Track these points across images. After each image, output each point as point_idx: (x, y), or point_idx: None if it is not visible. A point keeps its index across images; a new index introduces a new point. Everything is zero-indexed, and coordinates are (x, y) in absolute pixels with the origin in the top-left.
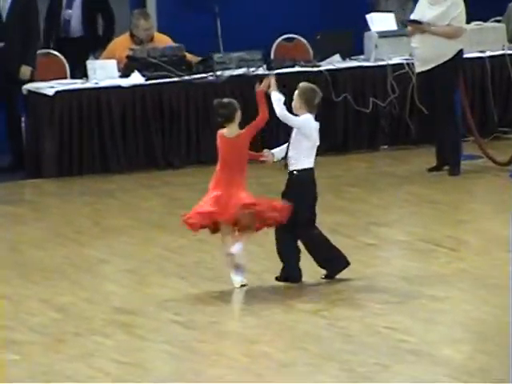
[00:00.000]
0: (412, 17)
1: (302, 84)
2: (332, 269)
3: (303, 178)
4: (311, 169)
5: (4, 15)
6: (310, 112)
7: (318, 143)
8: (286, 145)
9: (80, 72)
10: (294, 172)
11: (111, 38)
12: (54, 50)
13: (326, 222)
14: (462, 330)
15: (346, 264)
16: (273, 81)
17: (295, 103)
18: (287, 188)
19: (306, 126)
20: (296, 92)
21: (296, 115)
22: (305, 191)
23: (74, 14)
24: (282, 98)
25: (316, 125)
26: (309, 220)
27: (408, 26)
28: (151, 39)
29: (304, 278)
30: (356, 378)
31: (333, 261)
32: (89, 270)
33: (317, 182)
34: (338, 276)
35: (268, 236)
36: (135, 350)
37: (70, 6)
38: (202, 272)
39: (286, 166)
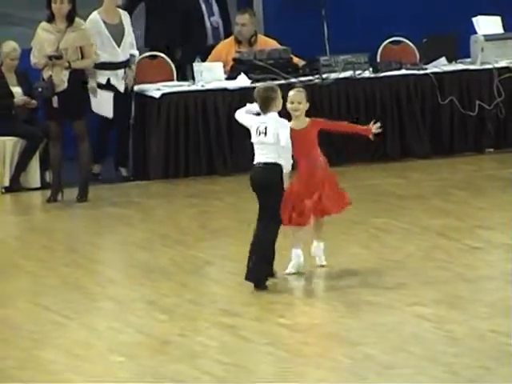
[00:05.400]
0: None
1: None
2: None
3: None
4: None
5: None
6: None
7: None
8: None
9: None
10: None
11: None
12: (203, 59)
13: (432, 225)
14: None
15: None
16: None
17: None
18: None
19: None
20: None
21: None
22: None
23: (219, 21)
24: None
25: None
26: None
27: None
28: (251, 39)
29: (408, 281)
30: (460, 381)
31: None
32: (194, 272)
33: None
34: (443, 279)
35: (377, 239)
36: (239, 352)
37: (212, 13)
38: (308, 274)
39: None
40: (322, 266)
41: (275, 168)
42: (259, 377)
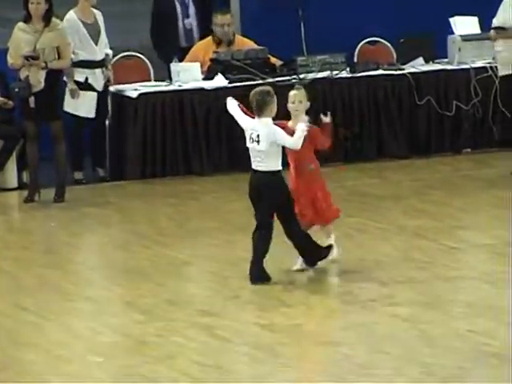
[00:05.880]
0: (495, 21)
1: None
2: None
3: None
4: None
5: None
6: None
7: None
8: None
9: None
10: None
11: None
12: (179, 60)
13: (409, 225)
14: None
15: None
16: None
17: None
18: None
19: None
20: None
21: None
22: None
23: (193, 23)
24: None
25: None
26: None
27: (491, 31)
28: (231, 40)
29: (385, 281)
30: (437, 382)
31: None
32: (172, 272)
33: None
34: (421, 279)
35: (354, 238)
36: (217, 352)
37: (187, 15)
38: (284, 275)
39: None
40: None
41: (273, 177)
42: (237, 377)
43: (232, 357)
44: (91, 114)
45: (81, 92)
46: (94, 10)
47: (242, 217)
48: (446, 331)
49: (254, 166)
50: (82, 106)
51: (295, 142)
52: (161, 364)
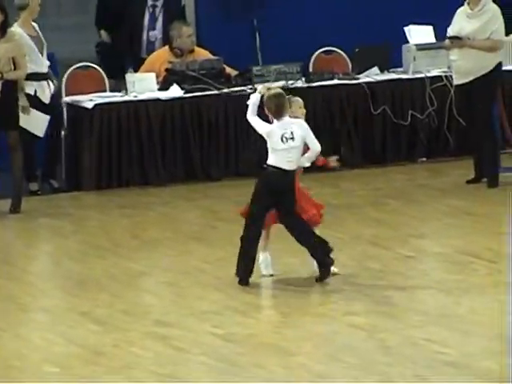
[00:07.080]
0: (450, 30)
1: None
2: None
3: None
4: (269, 167)
5: None
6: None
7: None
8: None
9: None
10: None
11: None
12: (135, 71)
13: (364, 233)
14: (501, 342)
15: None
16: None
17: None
18: None
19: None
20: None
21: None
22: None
23: (158, 36)
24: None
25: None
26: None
27: (446, 41)
28: (193, 50)
29: (341, 290)
30: None
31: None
32: (127, 283)
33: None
34: (377, 288)
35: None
36: (174, 363)
37: (153, 27)
38: (239, 285)
39: None
40: (272, 275)
41: (293, 173)
42: None
43: (189, 367)
44: (40, 134)
45: (33, 110)
46: (33, 23)
47: (198, 227)
48: (403, 340)
49: (286, 167)
50: (35, 123)
51: (318, 148)
52: (117, 374)
